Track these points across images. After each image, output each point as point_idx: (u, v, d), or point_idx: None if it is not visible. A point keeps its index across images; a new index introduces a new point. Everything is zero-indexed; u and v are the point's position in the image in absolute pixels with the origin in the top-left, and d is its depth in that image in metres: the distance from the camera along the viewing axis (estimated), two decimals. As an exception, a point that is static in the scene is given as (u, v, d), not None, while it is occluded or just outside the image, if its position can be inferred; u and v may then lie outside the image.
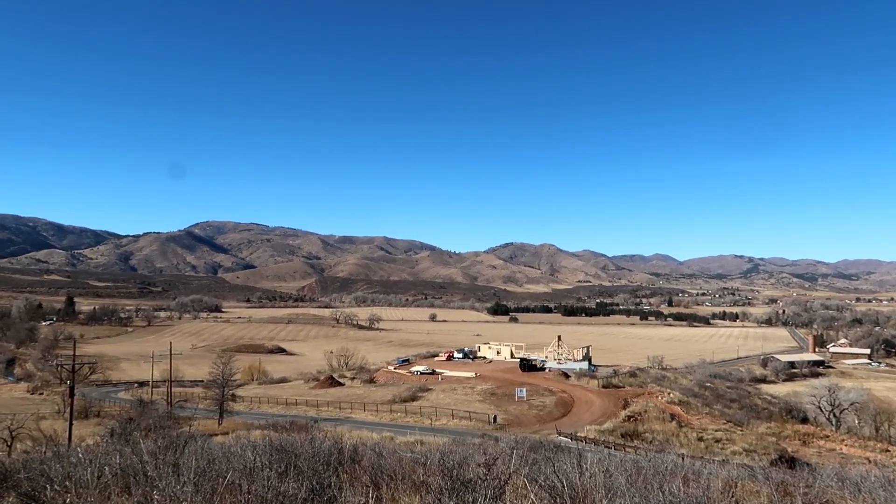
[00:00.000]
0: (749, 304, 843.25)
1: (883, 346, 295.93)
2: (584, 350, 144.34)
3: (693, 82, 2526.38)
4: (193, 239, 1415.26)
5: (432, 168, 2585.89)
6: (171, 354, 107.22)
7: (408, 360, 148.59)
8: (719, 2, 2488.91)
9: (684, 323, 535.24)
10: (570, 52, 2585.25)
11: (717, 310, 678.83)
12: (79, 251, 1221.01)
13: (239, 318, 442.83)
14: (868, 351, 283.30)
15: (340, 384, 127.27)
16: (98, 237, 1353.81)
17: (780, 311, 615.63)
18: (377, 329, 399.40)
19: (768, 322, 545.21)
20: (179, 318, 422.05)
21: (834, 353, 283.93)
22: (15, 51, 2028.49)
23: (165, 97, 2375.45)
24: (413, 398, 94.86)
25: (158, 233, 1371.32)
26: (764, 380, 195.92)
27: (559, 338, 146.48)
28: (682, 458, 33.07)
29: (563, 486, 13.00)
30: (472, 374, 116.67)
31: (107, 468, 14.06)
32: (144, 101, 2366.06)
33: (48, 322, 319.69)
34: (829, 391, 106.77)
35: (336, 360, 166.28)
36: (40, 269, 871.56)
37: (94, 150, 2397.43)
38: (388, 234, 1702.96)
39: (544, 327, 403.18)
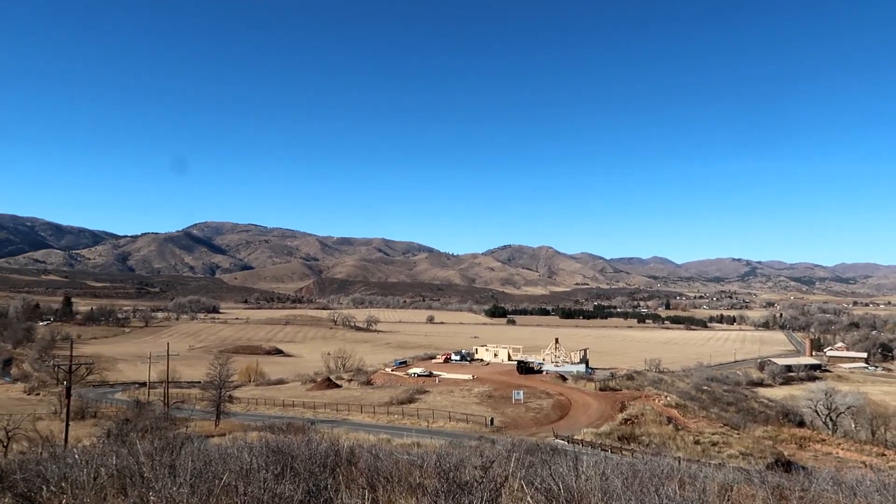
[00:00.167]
0: (746, 307, 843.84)
1: (880, 350, 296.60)
2: (582, 353, 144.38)
3: (691, 84, 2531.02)
4: (191, 240, 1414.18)
5: (431, 170, 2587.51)
6: (168, 355, 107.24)
7: (405, 362, 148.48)
8: (717, 2, 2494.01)
9: (682, 326, 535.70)
10: (569, 54, 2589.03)
11: (715, 313, 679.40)
12: (77, 251, 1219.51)
13: (236, 319, 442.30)
14: (865, 355, 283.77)
15: (338, 386, 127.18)
16: (96, 237, 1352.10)
17: (778, 315, 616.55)
18: (375, 331, 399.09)
19: (765, 325, 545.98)
20: (177, 319, 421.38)
21: (831, 356, 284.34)
22: (11, 49, 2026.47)
23: (164, 97, 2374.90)
24: (410, 400, 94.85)
25: (156, 233, 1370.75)
26: (761, 383, 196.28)
27: (556, 340, 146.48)
28: (679, 462, 33.12)
29: (560, 489, 13.04)
30: (470, 377, 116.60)
31: (103, 469, 14.06)
32: (143, 101, 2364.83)
33: (45, 322, 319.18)
34: (825, 395, 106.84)
35: (333, 361, 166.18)
36: (38, 269, 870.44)
37: (92, 150, 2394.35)
38: (386, 236, 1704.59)
39: (542, 330, 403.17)
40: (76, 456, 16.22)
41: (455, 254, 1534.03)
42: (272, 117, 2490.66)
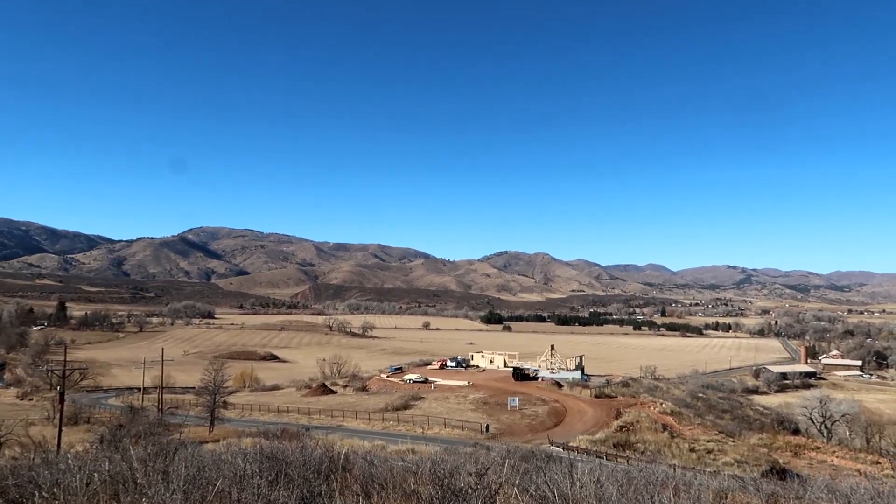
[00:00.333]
0: (742, 314, 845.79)
1: (874, 358, 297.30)
2: (577, 359, 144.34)
3: (688, 92, 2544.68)
4: (187, 244, 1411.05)
5: (428, 176, 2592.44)
6: (162, 360, 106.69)
7: (401, 369, 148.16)
8: (711, 11, 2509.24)
9: (677, 333, 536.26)
10: (566, 61, 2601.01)
11: (710, 320, 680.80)
12: (71, 256, 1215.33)
13: (231, 324, 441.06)
14: (860, 362, 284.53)
15: (333, 392, 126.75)
16: (91, 242, 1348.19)
17: (773, 322, 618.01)
18: (370, 337, 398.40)
19: (761, 333, 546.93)
20: (172, 324, 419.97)
21: (826, 364, 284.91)
22: (7, 52, 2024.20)
23: (160, 101, 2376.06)
24: (405, 407, 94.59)
25: (152, 238, 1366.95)
26: (756, 391, 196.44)
27: (552, 347, 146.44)
28: (674, 469, 33.13)
29: (554, 496, 13.02)
30: (465, 383, 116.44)
31: (96, 475, 13.98)
32: (139, 106, 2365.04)
33: (39, 327, 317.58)
34: (820, 403, 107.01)
35: (329, 367, 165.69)
36: (32, 274, 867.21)
37: (88, 154, 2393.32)
38: (382, 242, 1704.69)
39: (538, 336, 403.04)
40: (69, 461, 16.13)
41: (451, 260, 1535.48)
42: (269, 122, 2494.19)
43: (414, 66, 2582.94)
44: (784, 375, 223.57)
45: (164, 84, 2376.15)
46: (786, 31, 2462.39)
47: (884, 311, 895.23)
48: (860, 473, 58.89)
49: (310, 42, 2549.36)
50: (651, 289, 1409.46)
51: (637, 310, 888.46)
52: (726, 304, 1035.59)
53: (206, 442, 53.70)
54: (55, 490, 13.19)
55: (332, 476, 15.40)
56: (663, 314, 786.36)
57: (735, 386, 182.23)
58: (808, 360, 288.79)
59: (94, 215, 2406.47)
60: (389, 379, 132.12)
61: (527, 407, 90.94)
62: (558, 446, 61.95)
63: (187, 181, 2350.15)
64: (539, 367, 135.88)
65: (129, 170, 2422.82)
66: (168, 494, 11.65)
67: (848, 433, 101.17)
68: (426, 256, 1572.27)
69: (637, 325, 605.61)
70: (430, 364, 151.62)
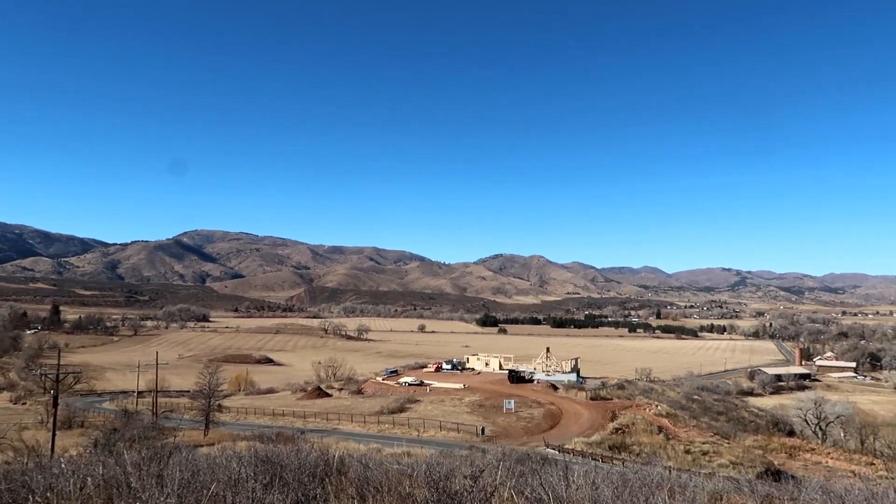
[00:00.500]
0: (736, 316, 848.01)
1: (868, 360, 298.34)
2: (573, 362, 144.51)
3: (681, 95, 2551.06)
4: (182, 248, 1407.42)
5: (423, 179, 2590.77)
6: (157, 364, 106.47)
7: (396, 371, 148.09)
8: (704, 15, 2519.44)
9: (672, 335, 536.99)
10: (560, 65, 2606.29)
11: (705, 322, 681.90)
12: (65, 259, 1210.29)
13: (227, 327, 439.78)
14: (854, 364, 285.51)
15: (328, 395, 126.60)
16: (85, 245, 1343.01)
17: (768, 324, 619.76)
18: (366, 340, 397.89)
19: (755, 335, 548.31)
20: (166, 328, 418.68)
21: (820, 366, 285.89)
22: None
23: (155, 104, 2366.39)
24: (401, 409, 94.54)
25: (146, 241, 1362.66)
26: (751, 392, 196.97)
27: (548, 349, 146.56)
28: (669, 471, 33.16)
29: (550, 499, 13.03)
30: (461, 386, 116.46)
31: (89, 479, 13.91)
32: (133, 108, 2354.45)
33: (33, 331, 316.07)
34: (815, 404, 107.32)
35: (324, 370, 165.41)
36: (26, 277, 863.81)
37: (81, 157, 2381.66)
38: (377, 245, 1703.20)
39: (533, 339, 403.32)
40: (62, 466, 16.04)
41: (446, 263, 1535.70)
42: (264, 126, 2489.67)
43: (409, 69, 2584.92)
44: (779, 377, 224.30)
45: (158, 87, 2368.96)
46: (778, 34, 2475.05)
47: (877, 312, 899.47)
48: (855, 475, 59.12)
49: (304, 45, 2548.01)
50: (646, 291, 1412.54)
51: (632, 312, 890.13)
52: (721, 307, 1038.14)
53: (201, 445, 53.55)
54: (48, 494, 13.12)
55: (328, 479, 15.36)
56: (658, 316, 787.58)
57: (730, 388, 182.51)
58: (803, 362, 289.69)
59: (88, 218, 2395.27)
60: (385, 382, 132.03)
61: (522, 409, 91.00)
62: (554, 449, 61.98)
63: (182, 184, 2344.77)
64: (534, 369, 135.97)
65: (123, 173, 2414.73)
66: (162, 499, 11.61)
67: (842, 435, 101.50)
68: (421, 259, 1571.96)
69: (632, 328, 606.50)
70: (425, 367, 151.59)
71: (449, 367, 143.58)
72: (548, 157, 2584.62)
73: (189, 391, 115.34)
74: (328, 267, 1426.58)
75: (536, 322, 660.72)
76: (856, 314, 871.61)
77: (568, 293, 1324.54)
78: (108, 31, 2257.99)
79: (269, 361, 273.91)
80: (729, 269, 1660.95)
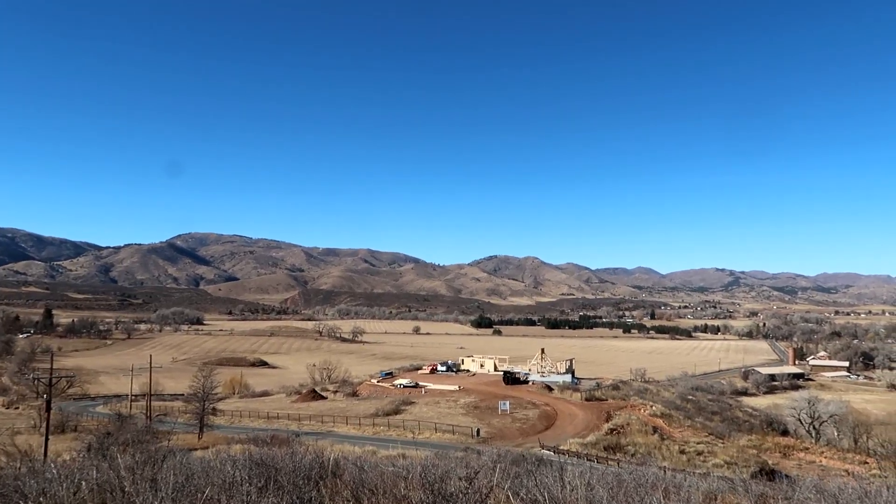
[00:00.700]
0: (730, 317, 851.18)
1: (861, 359, 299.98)
2: (568, 363, 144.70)
3: (676, 97, 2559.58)
4: (175, 251, 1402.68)
5: (417, 181, 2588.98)
6: (150, 367, 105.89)
7: (391, 374, 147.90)
8: (699, 17, 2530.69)
9: (667, 336, 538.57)
10: (555, 66, 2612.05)
11: (699, 322, 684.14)
12: (58, 263, 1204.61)
13: (221, 330, 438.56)
14: (847, 363, 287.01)
15: (323, 398, 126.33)
16: (78, 248, 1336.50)
17: (761, 324, 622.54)
18: (360, 342, 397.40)
19: (749, 335, 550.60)
20: (160, 331, 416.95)
21: (814, 365, 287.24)
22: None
23: (148, 107, 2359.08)
24: (396, 411, 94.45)
25: (140, 244, 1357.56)
26: (745, 392, 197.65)
27: (542, 350, 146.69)
28: (664, 471, 33.25)
29: (545, 500, 13.05)
30: (456, 388, 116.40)
31: (83, 484, 13.86)
32: (126, 111, 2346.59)
33: (25, 335, 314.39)
34: (808, 404, 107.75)
35: (319, 373, 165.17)
36: (18, 281, 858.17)
37: (74, 160, 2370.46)
38: (372, 247, 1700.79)
39: (528, 340, 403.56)
40: (55, 470, 15.97)
41: (441, 264, 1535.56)
42: (257, 128, 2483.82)
43: (403, 71, 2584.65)
44: (772, 377, 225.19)
45: (152, 90, 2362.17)
46: (773, 36, 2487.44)
47: (870, 312, 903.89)
48: (848, 473, 59.35)
49: (298, 47, 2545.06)
50: (640, 292, 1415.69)
51: (626, 313, 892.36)
52: (715, 307, 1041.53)
53: (196, 449, 53.41)
54: (41, 499, 13.06)
55: (323, 482, 15.34)
56: (653, 317, 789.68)
57: (724, 388, 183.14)
58: (796, 362, 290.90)
59: (81, 222, 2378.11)
60: (380, 384, 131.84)
61: (517, 411, 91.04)
62: (549, 450, 62.02)
63: (175, 187, 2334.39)
64: (529, 370, 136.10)
65: (116, 176, 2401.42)
66: (156, 502, 11.57)
67: (836, 434, 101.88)
68: (416, 261, 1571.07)
69: (627, 328, 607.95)
70: (420, 369, 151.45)
71: (444, 368, 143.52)
72: (542, 158, 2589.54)
73: (183, 394, 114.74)
74: (322, 269, 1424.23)
75: (531, 323, 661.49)
76: (848, 314, 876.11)
77: (562, 294, 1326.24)
78: (101, 34, 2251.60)
79: (264, 364, 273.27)
80: (722, 270, 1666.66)
